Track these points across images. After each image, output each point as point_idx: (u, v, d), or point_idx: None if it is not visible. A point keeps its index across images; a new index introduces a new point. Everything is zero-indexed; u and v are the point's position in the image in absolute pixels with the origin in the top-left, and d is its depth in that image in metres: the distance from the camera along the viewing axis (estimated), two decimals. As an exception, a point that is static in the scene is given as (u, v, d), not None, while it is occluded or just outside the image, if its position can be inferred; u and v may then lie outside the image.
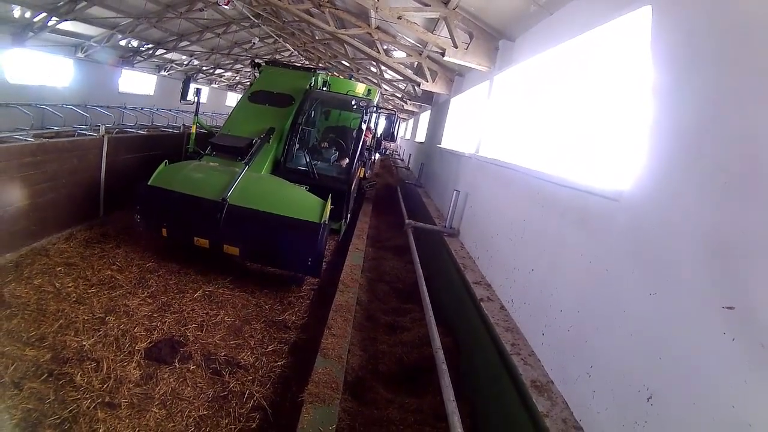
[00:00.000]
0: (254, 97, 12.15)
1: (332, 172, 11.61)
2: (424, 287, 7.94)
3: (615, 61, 5.51)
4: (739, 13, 3.22)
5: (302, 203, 8.65)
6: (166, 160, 9.08)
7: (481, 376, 5.92)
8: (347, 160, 11.90)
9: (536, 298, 5.53)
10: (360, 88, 15.46)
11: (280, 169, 10.76)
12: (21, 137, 13.96)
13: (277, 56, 34.22)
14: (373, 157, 18.65)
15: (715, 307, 2.76)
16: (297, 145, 11.29)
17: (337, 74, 23.29)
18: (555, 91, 7.25)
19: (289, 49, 29.31)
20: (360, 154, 12.03)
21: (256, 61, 14.16)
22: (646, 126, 4.01)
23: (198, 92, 11.81)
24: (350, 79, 17.97)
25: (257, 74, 13.38)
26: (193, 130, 11.87)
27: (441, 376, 5.20)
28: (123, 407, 5.09)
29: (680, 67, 3.84)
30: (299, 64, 22.83)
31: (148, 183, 8.55)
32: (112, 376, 5.49)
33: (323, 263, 9.03)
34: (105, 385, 5.32)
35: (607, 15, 5.43)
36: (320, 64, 26.45)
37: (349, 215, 12.33)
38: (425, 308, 7.22)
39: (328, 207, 8.51)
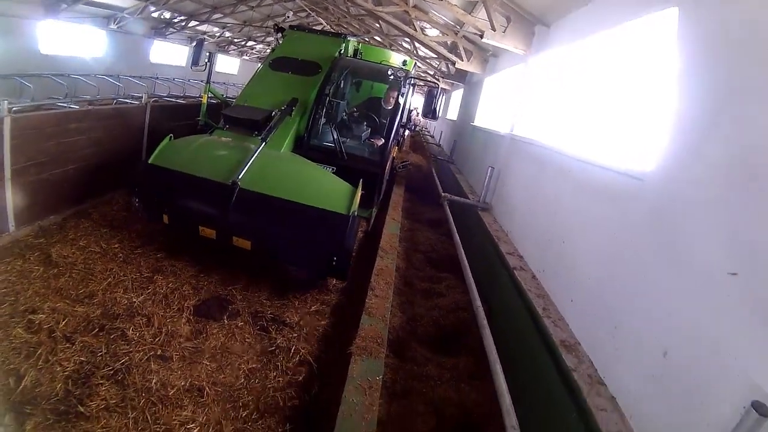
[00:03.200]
0: (276, 63, 10.69)
1: (363, 152, 9.93)
2: (463, 253, 8.21)
3: (644, 51, 5.82)
4: (753, 16, 3.58)
5: (328, 190, 7.44)
6: (171, 135, 7.98)
7: (513, 338, 6.30)
8: (381, 138, 10.16)
9: (566, 267, 5.93)
10: (395, 59, 13.53)
11: (302, 146, 9.28)
12: (65, 104, 14.06)
13: (309, 29, 33.02)
14: (404, 134, 16.42)
15: (722, 273, 3.16)
16: (323, 120, 9.85)
17: (365, 39, 22.74)
18: (587, 76, 7.53)
19: (322, 23, 29.41)
20: (396, 131, 10.32)
21: (280, 25, 12.43)
22: (670, 114, 4.43)
23: (210, 57, 10.23)
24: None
25: (280, 40, 11.75)
26: (204, 100, 10.21)
27: (481, 328, 5.64)
28: (175, 360, 5.39)
29: (703, 62, 4.23)
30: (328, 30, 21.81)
31: (149, 161, 7.46)
32: (163, 330, 5.81)
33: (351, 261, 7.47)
34: (156, 339, 5.64)
35: (638, 11, 5.76)
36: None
37: (380, 200, 10.66)
38: (464, 270, 7.53)
39: (359, 194, 7.34)
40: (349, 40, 11.87)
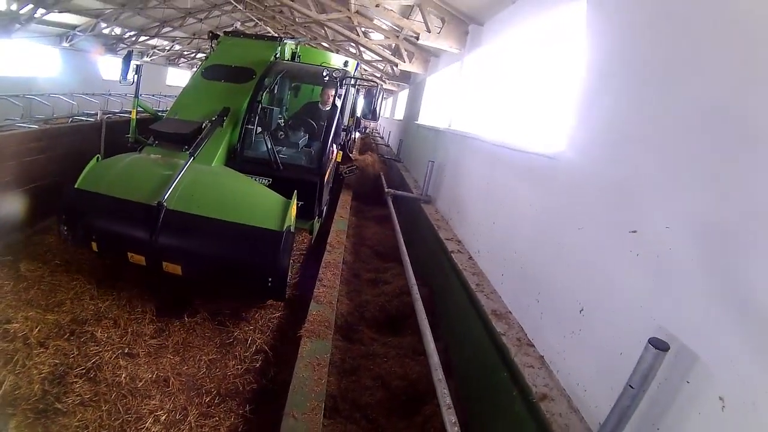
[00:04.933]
0: (208, 72, 9.84)
1: (300, 160, 9.13)
2: (401, 240, 8.73)
3: (558, 46, 6.41)
4: (647, 10, 4.13)
5: (258, 204, 6.92)
6: (98, 155, 7.35)
7: (452, 314, 6.90)
8: (319, 144, 9.32)
9: (497, 246, 6.50)
10: (336, 60, 12.81)
11: (235, 158, 8.49)
12: (24, 125, 14.19)
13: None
14: (352, 137, 16.36)
15: (624, 232, 3.66)
16: (258, 129, 8.94)
17: (310, 44, 22.54)
18: (513, 70, 8.12)
19: (269, 32, 29.51)
20: (335, 135, 9.47)
21: (214, 32, 11.71)
22: (576, 101, 5.03)
23: (138, 69, 9.03)
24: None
25: (215, 47, 10.86)
26: (133, 116, 9.16)
27: (415, 302, 6.22)
28: (141, 356, 5.74)
29: (603, 51, 4.83)
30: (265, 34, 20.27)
31: (75, 185, 6.83)
32: (129, 331, 6.11)
33: (288, 282, 7.01)
34: (123, 339, 5.94)
35: (556, 4, 6.37)
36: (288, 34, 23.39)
37: (324, 209, 10.04)
38: (402, 255, 8.02)
39: (294, 207, 6.93)
40: (285, 43, 11.20)
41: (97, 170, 7.02)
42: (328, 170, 9.49)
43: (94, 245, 6.67)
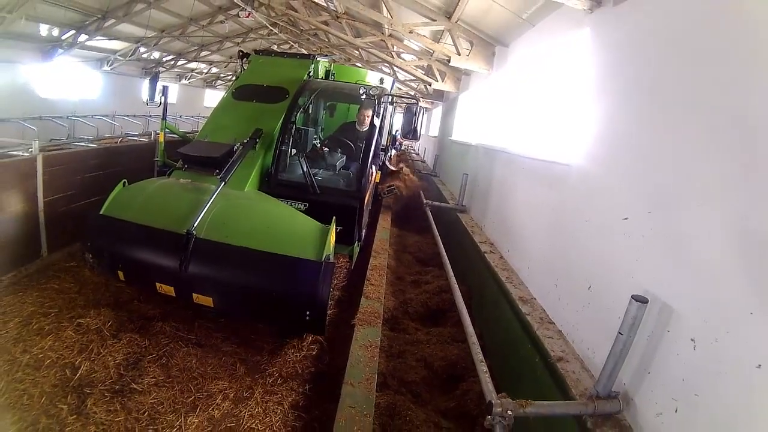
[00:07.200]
0: (239, 93, 9.51)
1: (338, 183, 8.68)
2: (441, 243, 9.30)
3: (569, 66, 7.07)
4: (641, 36, 4.81)
5: (294, 232, 6.51)
6: (125, 180, 7.13)
7: (486, 305, 7.67)
8: (358, 165, 8.81)
9: (523, 244, 7.31)
10: (372, 78, 12.38)
11: (270, 182, 8.13)
12: (83, 145, 14.72)
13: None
14: (389, 155, 15.43)
15: (618, 219, 4.45)
16: (293, 151, 8.58)
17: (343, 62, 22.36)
18: (534, 88, 8.75)
19: (302, 51, 29.85)
20: (374, 156, 9.01)
21: (245, 50, 11.38)
22: (586, 118, 5.76)
23: (164, 90, 8.73)
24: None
25: (245, 66, 10.52)
26: (161, 139, 8.94)
27: (454, 291, 6.81)
28: (208, 346, 6.44)
29: (604, 74, 5.63)
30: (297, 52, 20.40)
31: (101, 212, 6.64)
32: (195, 325, 6.79)
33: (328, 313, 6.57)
34: (191, 334, 6.61)
35: (568, 31, 7.06)
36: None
37: (363, 233, 9.47)
38: (442, 256, 8.50)
39: (333, 234, 6.48)
40: (319, 61, 10.73)
41: (124, 196, 6.87)
42: (368, 192, 9.05)
43: (120, 274, 6.47)
